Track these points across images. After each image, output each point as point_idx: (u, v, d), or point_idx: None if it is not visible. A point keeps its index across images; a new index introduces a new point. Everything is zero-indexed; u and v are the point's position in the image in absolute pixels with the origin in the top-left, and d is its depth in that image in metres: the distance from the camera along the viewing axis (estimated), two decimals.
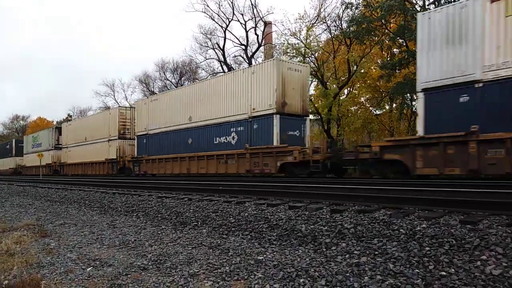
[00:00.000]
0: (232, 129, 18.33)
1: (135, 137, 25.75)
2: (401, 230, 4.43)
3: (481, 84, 10.40)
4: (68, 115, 68.45)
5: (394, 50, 24.05)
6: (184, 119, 21.36)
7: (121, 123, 27.64)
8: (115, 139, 27.64)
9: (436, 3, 19.36)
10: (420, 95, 11.80)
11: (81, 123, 34.87)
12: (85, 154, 31.10)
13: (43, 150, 38.31)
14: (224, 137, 18.81)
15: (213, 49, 36.96)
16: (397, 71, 20.68)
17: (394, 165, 12.22)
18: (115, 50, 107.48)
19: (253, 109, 17.31)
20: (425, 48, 11.67)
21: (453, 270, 3.40)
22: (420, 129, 11.72)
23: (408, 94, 21.79)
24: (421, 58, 11.85)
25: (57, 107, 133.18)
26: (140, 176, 23.94)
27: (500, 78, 10.05)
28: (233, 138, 18.31)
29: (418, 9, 20.04)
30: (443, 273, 3.38)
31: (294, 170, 15.63)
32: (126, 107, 31.29)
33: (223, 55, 36.05)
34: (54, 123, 69.34)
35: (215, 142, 19.26)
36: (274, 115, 16.32)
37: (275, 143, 16.20)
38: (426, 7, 19.97)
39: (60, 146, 36.93)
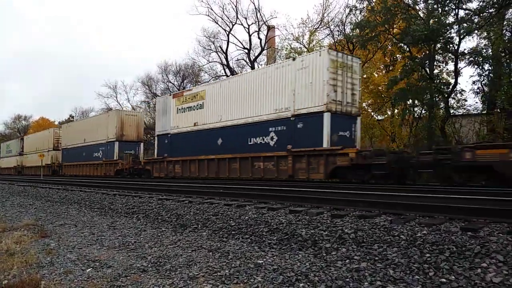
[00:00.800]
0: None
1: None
2: (401, 236, 4.42)
3: (170, 134, 22.07)
4: (70, 116, 68.66)
5: (397, 55, 24.09)
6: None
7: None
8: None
9: (440, 9, 19.39)
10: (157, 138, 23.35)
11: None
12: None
13: (13, 155, 47.10)
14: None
15: (216, 52, 37.10)
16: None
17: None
18: (118, 51, 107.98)
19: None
20: (159, 114, 23.48)
21: (453, 277, 3.39)
22: None
23: (410, 101, 21.79)
24: (157, 120, 23.96)
25: (62, 107, 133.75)
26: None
27: (175, 132, 21.71)
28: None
29: (421, 15, 20.09)
30: (444, 280, 3.37)
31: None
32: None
33: (226, 58, 36.18)
34: (56, 123, 69.56)
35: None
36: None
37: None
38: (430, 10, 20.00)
39: (23, 153, 44.28)
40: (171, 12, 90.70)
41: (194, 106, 20.62)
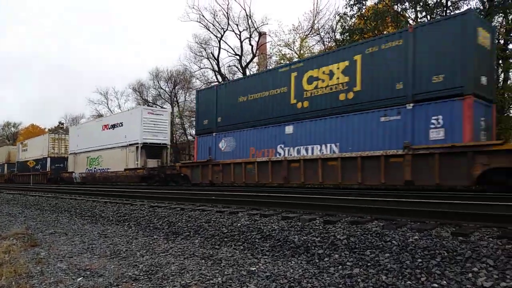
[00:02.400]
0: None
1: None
2: (393, 241, 4.45)
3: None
4: (60, 122, 67.98)
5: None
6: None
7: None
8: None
9: (428, 16, 19.69)
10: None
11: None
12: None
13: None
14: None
15: (208, 58, 37.15)
16: None
17: None
18: (109, 58, 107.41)
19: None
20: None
21: (445, 282, 3.42)
22: None
23: None
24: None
25: (52, 113, 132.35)
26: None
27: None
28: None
29: (411, 22, 20.37)
30: (435, 285, 3.39)
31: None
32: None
33: (218, 64, 36.22)
34: (46, 130, 68.85)
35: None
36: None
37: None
38: (419, 20, 20.30)
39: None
40: (163, 19, 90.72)
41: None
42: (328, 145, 12.95)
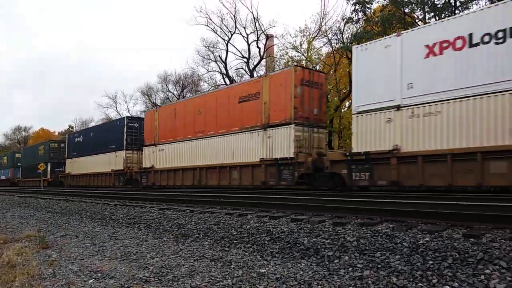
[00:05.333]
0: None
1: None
2: (404, 243, 4.42)
3: None
4: (70, 126, 68.73)
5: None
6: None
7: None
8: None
9: (437, 17, 19.57)
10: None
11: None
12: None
13: None
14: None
15: (215, 61, 37.32)
16: None
17: None
18: (119, 60, 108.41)
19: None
20: None
21: (456, 284, 3.38)
22: None
23: None
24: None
25: (64, 117, 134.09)
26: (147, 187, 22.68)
27: None
28: None
29: (419, 23, 20.26)
30: (447, 287, 3.36)
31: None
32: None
33: (225, 67, 36.37)
34: (56, 134, 69.62)
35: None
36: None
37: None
38: (427, 20, 20.19)
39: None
40: (171, 23, 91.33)
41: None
42: None
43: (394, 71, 11.65)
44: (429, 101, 10.85)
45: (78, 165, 32.29)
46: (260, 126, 16.14)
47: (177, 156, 20.87)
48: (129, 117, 27.55)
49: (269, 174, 15.64)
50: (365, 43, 13.18)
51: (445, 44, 10.65)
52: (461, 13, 16.60)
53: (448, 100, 10.47)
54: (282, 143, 15.20)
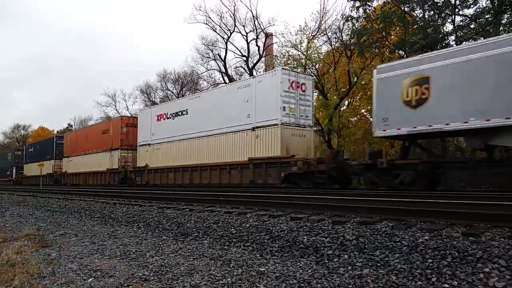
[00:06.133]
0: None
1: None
2: (403, 242, 4.42)
3: None
4: (69, 124, 68.65)
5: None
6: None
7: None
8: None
9: (436, 16, 19.56)
10: None
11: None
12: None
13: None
14: None
15: (215, 60, 37.27)
16: None
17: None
18: (118, 59, 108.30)
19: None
20: None
21: (456, 282, 3.39)
22: None
23: None
24: None
25: (65, 115, 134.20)
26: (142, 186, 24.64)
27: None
28: None
29: (419, 21, 20.25)
30: (446, 285, 3.37)
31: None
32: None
33: (225, 66, 36.32)
34: (55, 132, 69.56)
35: None
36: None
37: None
38: (427, 18, 20.17)
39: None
40: (170, 21, 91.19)
41: None
42: None
43: (148, 128, 24.54)
44: (158, 142, 23.65)
45: (29, 169, 43.69)
46: (108, 149, 28.19)
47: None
48: (57, 136, 41.31)
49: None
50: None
51: (163, 115, 23.46)
52: (161, 103, 31.52)
53: (165, 142, 23.05)
54: (112, 160, 27.70)
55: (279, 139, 15.66)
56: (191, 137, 20.76)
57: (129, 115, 43.01)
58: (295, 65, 28.21)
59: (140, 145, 25.14)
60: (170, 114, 22.72)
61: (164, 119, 23.16)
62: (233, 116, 17.73)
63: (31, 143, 52.71)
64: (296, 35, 37.28)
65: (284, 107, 15.80)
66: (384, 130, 12.39)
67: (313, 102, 18.19)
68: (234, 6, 35.13)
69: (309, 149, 16.77)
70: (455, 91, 10.74)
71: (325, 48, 29.24)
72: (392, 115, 12.08)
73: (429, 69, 11.30)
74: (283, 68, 17.43)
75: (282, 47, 30.32)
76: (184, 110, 21.63)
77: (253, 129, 16.83)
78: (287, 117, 16.01)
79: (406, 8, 20.33)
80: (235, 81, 30.35)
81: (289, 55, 28.91)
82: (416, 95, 11.45)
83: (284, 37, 39.87)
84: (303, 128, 16.75)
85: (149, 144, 24.20)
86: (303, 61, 27.68)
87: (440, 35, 18.36)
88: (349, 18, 22.92)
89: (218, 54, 36.57)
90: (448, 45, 18.47)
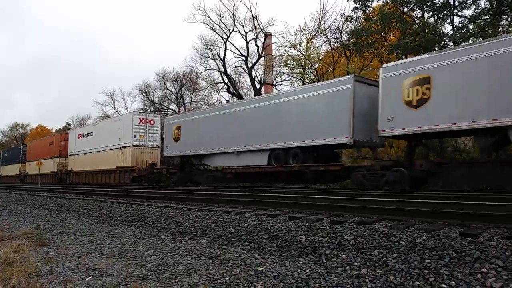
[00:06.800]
0: None
1: None
2: (401, 242, 4.43)
3: None
4: (67, 123, 68.48)
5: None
6: None
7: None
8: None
9: (435, 16, 19.58)
10: None
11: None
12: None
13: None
14: None
15: (214, 59, 37.20)
16: None
17: None
18: (117, 58, 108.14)
19: None
20: None
21: (453, 282, 3.40)
22: None
23: None
24: None
25: (64, 114, 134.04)
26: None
27: None
28: None
29: (417, 21, 20.27)
30: (444, 285, 3.38)
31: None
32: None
33: (224, 65, 36.28)
34: (53, 131, 69.41)
35: None
36: None
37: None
38: (425, 19, 20.18)
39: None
40: (169, 20, 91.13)
41: None
42: None
43: (73, 143, 33.71)
44: (78, 153, 32.90)
45: (5, 170, 51.91)
46: (52, 156, 36.79)
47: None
48: (23, 144, 49.57)
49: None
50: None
51: (81, 134, 32.79)
52: (81, 126, 42.67)
53: (81, 154, 32.31)
54: (55, 164, 36.53)
55: (130, 155, 25.47)
56: (92, 152, 30.56)
57: (126, 112, 43.35)
58: (294, 65, 28.24)
59: (69, 155, 34.95)
60: (84, 134, 32.71)
61: (81, 137, 33.01)
62: (110, 139, 27.72)
63: (6, 149, 61.61)
64: (295, 35, 37.15)
65: (135, 135, 25.80)
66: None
67: (160, 131, 26.65)
68: (233, 6, 35.09)
69: (157, 160, 25.74)
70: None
71: (324, 48, 29.30)
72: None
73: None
74: (134, 111, 31.16)
75: (281, 47, 30.39)
76: (90, 132, 31.74)
77: (120, 148, 26.69)
78: (137, 141, 25.93)
79: (405, 9, 20.34)
80: (113, 117, 41.93)
81: (288, 55, 28.95)
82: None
83: (284, 37, 39.97)
84: (151, 147, 26.65)
85: (74, 154, 33.95)
86: (302, 61, 27.71)
87: (437, 36, 18.37)
88: (348, 18, 22.94)
89: (217, 53, 36.57)
90: (445, 46, 18.49)
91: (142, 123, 26.02)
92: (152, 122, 26.90)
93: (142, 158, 25.41)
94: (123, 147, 26.30)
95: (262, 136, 15.87)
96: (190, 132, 19.64)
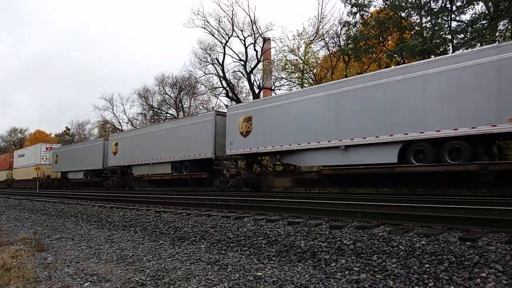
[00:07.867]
0: None
1: None
2: (400, 246, 4.43)
3: None
4: (67, 128, 68.46)
5: (392, 67, 24.31)
6: None
7: None
8: None
9: (433, 21, 19.66)
10: None
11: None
12: None
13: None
14: None
15: (213, 64, 37.21)
16: None
17: None
18: (116, 62, 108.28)
19: None
20: None
21: (453, 287, 3.39)
22: None
23: None
24: None
25: (64, 119, 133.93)
26: None
27: None
28: None
29: (416, 28, 20.36)
30: None
31: None
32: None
33: (223, 70, 36.31)
34: (52, 136, 69.31)
35: None
36: None
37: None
38: (423, 25, 20.28)
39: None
40: (168, 25, 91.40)
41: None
42: None
43: (16, 160, 44.99)
44: (19, 167, 44.04)
45: None
46: (5, 169, 47.30)
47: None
48: None
49: None
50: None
51: (19, 155, 44.36)
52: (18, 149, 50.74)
53: (21, 167, 43.27)
54: (6, 175, 47.32)
55: (41, 170, 37.03)
56: (24, 167, 41.21)
57: (126, 119, 43.50)
58: (292, 70, 28.28)
59: (14, 168, 44.45)
60: (20, 155, 43.83)
61: (20, 157, 43.51)
62: (31, 159, 39.87)
63: None
64: (293, 40, 37.20)
65: (43, 157, 38.22)
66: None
67: (56, 154, 36.68)
68: (232, 11, 35.19)
69: (51, 174, 37.79)
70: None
71: (322, 53, 29.37)
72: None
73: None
74: (41, 143, 41.20)
75: (280, 52, 30.46)
76: (23, 154, 43.12)
77: (35, 165, 37.60)
78: (44, 162, 37.98)
79: (402, 14, 20.43)
80: (34, 146, 45.58)
81: (287, 60, 29.02)
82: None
83: (282, 42, 40.03)
84: (49, 165, 37.83)
85: (15, 168, 44.07)
86: (300, 66, 27.78)
87: (439, 40, 18.45)
88: (346, 24, 22.99)
89: (216, 58, 36.60)
90: (446, 51, 18.57)
91: (48, 150, 39.49)
92: (50, 148, 40.15)
93: (47, 172, 38.62)
94: (37, 165, 39.00)
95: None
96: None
